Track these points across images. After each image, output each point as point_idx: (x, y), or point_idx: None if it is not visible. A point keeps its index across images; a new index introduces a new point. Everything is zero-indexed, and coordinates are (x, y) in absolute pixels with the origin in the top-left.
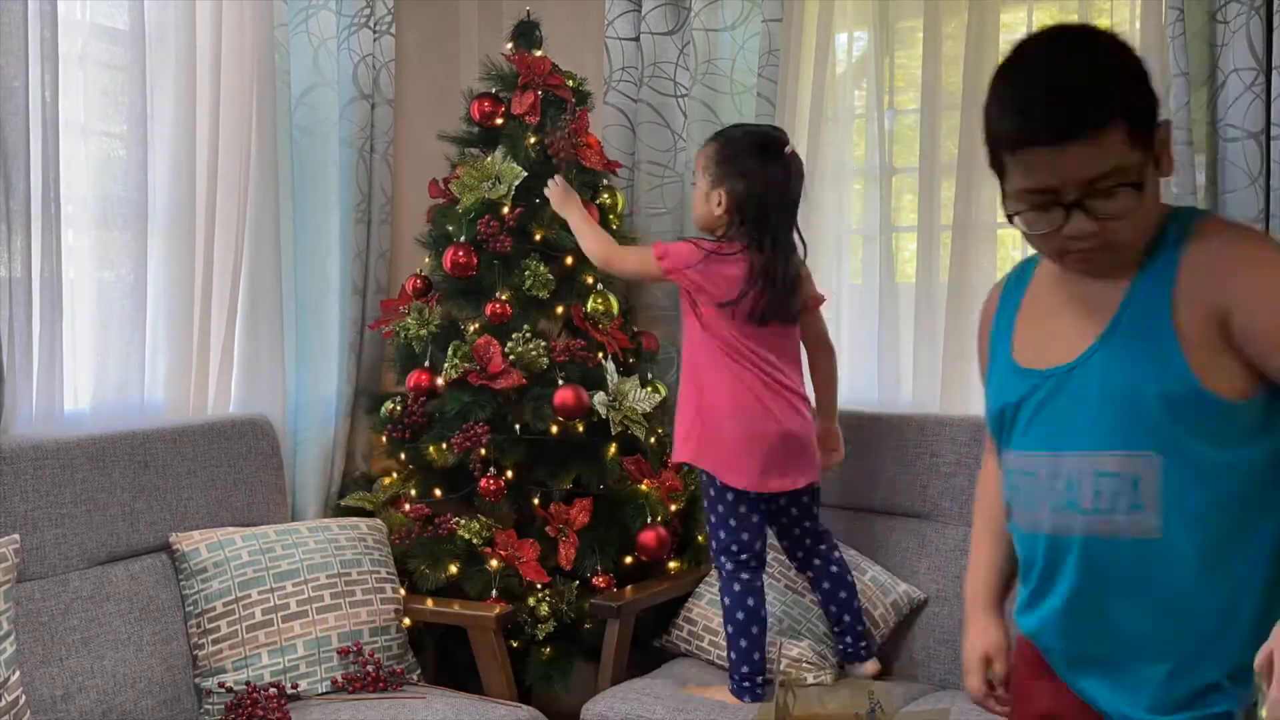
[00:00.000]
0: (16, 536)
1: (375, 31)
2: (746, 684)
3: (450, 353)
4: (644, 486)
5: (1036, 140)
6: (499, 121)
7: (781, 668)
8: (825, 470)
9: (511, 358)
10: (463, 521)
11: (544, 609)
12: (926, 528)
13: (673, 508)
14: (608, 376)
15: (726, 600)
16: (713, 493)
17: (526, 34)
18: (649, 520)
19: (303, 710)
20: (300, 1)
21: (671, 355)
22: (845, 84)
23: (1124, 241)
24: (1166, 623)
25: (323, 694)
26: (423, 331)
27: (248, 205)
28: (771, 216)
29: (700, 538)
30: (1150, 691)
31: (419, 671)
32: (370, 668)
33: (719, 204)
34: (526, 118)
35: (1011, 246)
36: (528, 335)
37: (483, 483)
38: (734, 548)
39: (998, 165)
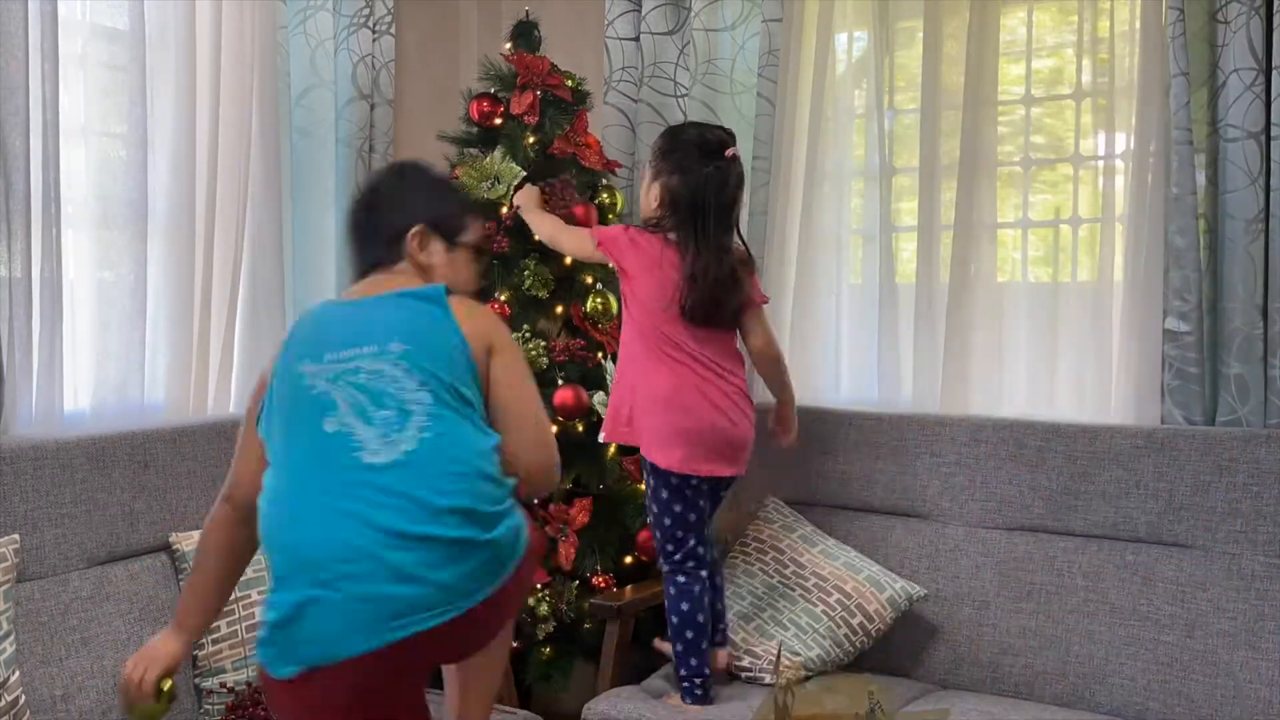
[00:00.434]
0: (16, 536)
1: (375, 32)
2: (686, 685)
3: None
4: (644, 486)
5: None
6: (498, 122)
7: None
8: (782, 447)
9: None
10: None
11: (544, 609)
12: (926, 528)
13: None
14: (607, 376)
15: (666, 601)
16: (652, 482)
17: (526, 34)
18: (649, 520)
19: None
20: (299, 2)
21: None
22: (845, 84)
23: None
24: None
25: None
26: None
27: (248, 205)
28: (704, 215)
29: None
30: None
31: None
32: None
33: (655, 198)
34: (525, 118)
35: (1012, 247)
36: (527, 335)
37: None
38: (669, 546)
39: None
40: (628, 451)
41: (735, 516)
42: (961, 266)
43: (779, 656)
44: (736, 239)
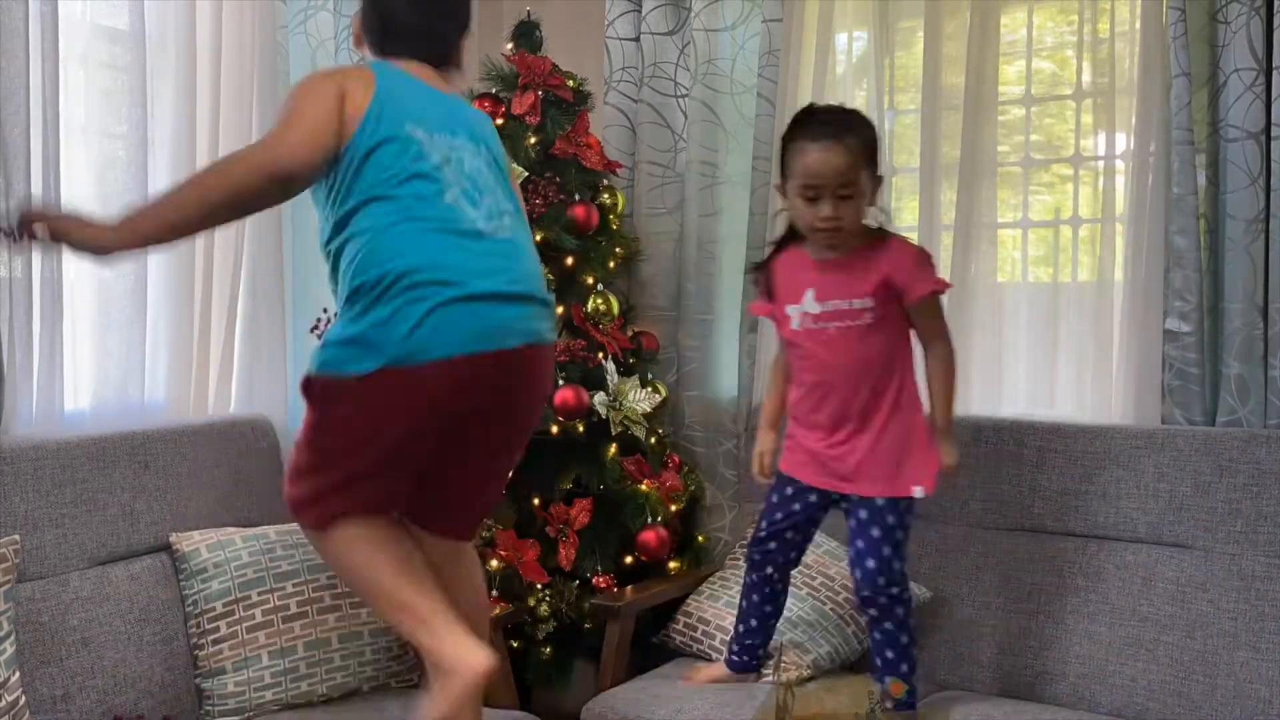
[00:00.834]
0: (16, 536)
1: None
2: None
3: None
4: (644, 486)
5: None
6: (499, 122)
7: (781, 668)
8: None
9: None
10: None
11: (544, 609)
12: (926, 528)
13: (673, 508)
14: (608, 376)
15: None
16: (907, 520)
17: (527, 34)
18: (649, 520)
19: (305, 712)
20: (299, 2)
21: (672, 355)
22: (845, 84)
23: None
24: None
25: (322, 696)
26: None
27: None
28: None
29: (700, 538)
30: None
31: (420, 673)
32: None
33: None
34: (527, 118)
35: (1012, 247)
36: None
37: None
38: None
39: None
40: (628, 451)
41: (742, 518)
42: (961, 267)
43: (780, 656)
44: None
